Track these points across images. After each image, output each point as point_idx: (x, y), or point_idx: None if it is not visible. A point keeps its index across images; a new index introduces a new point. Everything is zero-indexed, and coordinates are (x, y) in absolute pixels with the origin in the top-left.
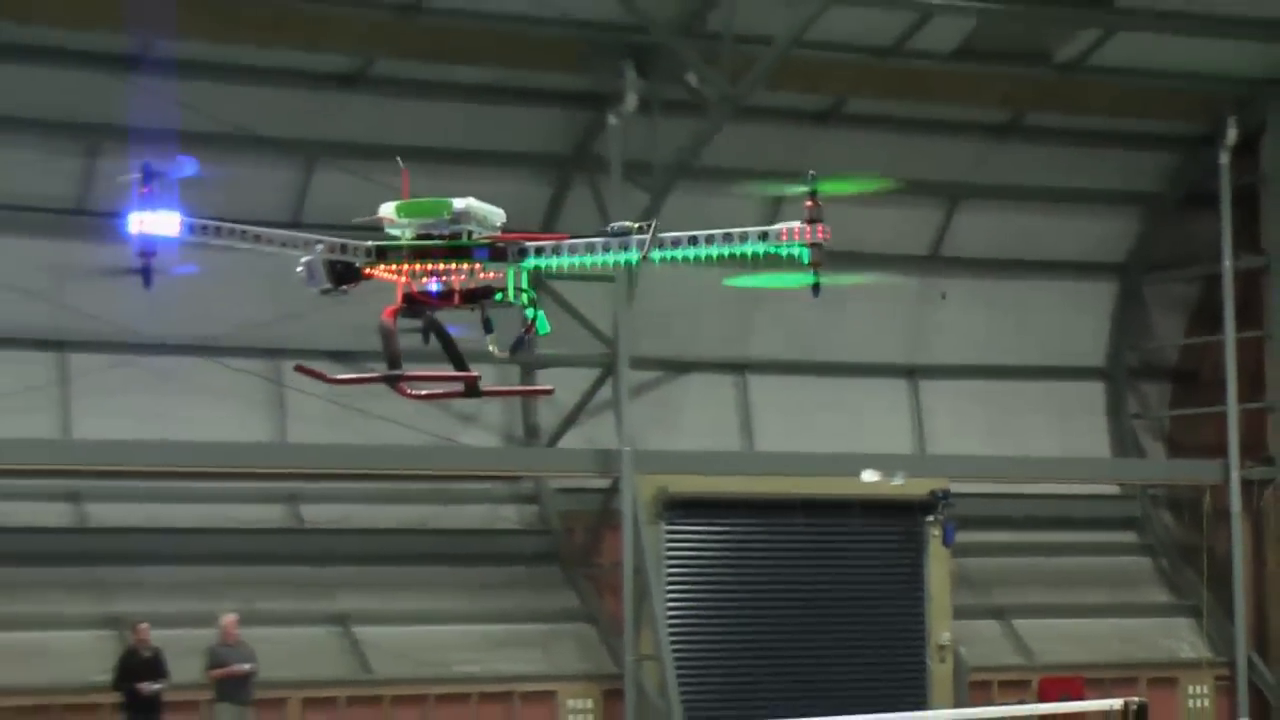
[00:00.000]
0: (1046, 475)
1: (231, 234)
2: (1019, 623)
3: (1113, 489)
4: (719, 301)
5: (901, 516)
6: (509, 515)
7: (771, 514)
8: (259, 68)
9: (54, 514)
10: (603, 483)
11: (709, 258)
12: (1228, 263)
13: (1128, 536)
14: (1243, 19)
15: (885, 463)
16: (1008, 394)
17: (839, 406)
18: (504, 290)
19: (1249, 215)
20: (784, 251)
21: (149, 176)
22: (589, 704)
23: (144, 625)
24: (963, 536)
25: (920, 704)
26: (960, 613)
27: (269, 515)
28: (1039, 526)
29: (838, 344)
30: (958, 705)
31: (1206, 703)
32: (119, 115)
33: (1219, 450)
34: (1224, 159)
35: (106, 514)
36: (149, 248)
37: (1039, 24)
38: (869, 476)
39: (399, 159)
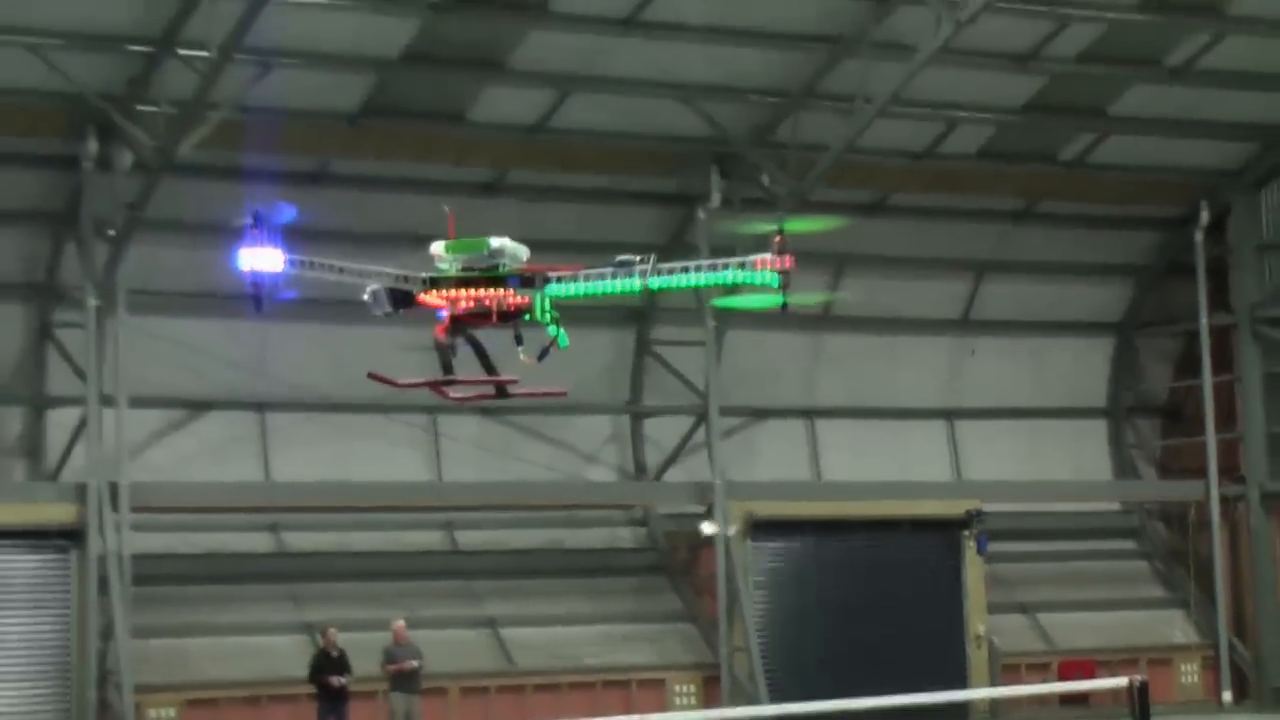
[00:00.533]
0: (1061, 495)
1: (321, 268)
2: (1041, 616)
3: (1115, 505)
4: (791, 360)
5: (943, 531)
6: (624, 536)
7: (836, 531)
8: (416, 179)
9: (258, 542)
10: (699, 508)
11: (699, 284)
12: (1204, 320)
13: (1128, 544)
14: (1210, 122)
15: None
16: (1028, 430)
17: (890, 443)
18: (532, 311)
19: (1220, 281)
20: (757, 279)
21: (258, 221)
22: (692, 689)
23: (332, 630)
24: (994, 546)
25: (962, 684)
26: (993, 608)
27: (430, 540)
28: (1056, 537)
29: (888, 393)
30: (992, 685)
31: (1196, 679)
32: (308, 221)
33: (1201, 472)
34: (1198, 236)
35: (300, 541)
36: (259, 280)
37: (1046, 130)
38: (708, 528)
39: (445, 207)
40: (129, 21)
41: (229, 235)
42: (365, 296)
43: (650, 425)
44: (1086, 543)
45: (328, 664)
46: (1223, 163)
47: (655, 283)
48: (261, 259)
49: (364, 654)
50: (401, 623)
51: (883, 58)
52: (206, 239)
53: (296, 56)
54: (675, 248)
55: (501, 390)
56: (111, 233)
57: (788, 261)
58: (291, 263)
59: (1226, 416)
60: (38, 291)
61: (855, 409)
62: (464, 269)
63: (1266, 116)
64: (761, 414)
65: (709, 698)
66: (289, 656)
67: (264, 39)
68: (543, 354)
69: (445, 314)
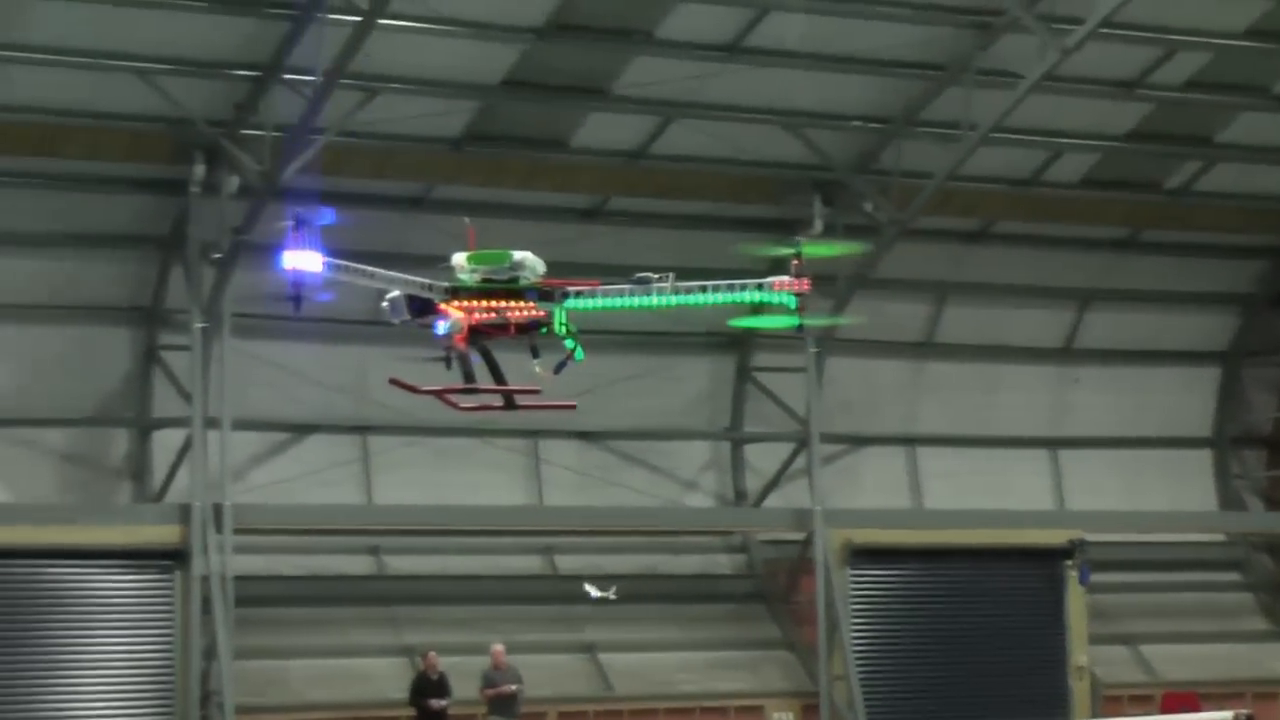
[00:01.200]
0: (1165, 526)
1: (355, 272)
2: (1144, 648)
3: (1219, 537)
4: (892, 387)
5: (1045, 561)
6: (722, 563)
7: (937, 560)
8: (518, 205)
9: (359, 564)
10: (798, 535)
11: (716, 303)
12: None
13: (1232, 576)
14: None
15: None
16: (1132, 460)
17: (991, 471)
18: (550, 324)
19: None
20: (775, 299)
21: (299, 224)
22: (791, 717)
23: (432, 653)
24: (1096, 577)
25: (1064, 716)
26: (1095, 640)
27: (529, 564)
28: (1159, 568)
29: (990, 421)
30: (1094, 717)
31: None
32: (410, 246)
33: None
34: None
35: (400, 564)
36: (299, 280)
37: (1152, 157)
38: (592, 591)
39: (466, 219)
40: (236, 47)
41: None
42: (383, 304)
43: (750, 451)
44: (1190, 574)
45: (428, 687)
46: None
47: (672, 300)
48: (302, 261)
49: (463, 678)
50: (500, 647)
51: (986, 85)
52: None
53: (401, 82)
54: (777, 274)
55: (510, 402)
56: (217, 256)
57: (805, 284)
58: (329, 266)
59: None
60: (144, 315)
61: (956, 437)
62: (484, 280)
63: None
64: (862, 441)
65: None
66: (389, 679)
67: (369, 65)
68: (559, 367)
69: (442, 327)
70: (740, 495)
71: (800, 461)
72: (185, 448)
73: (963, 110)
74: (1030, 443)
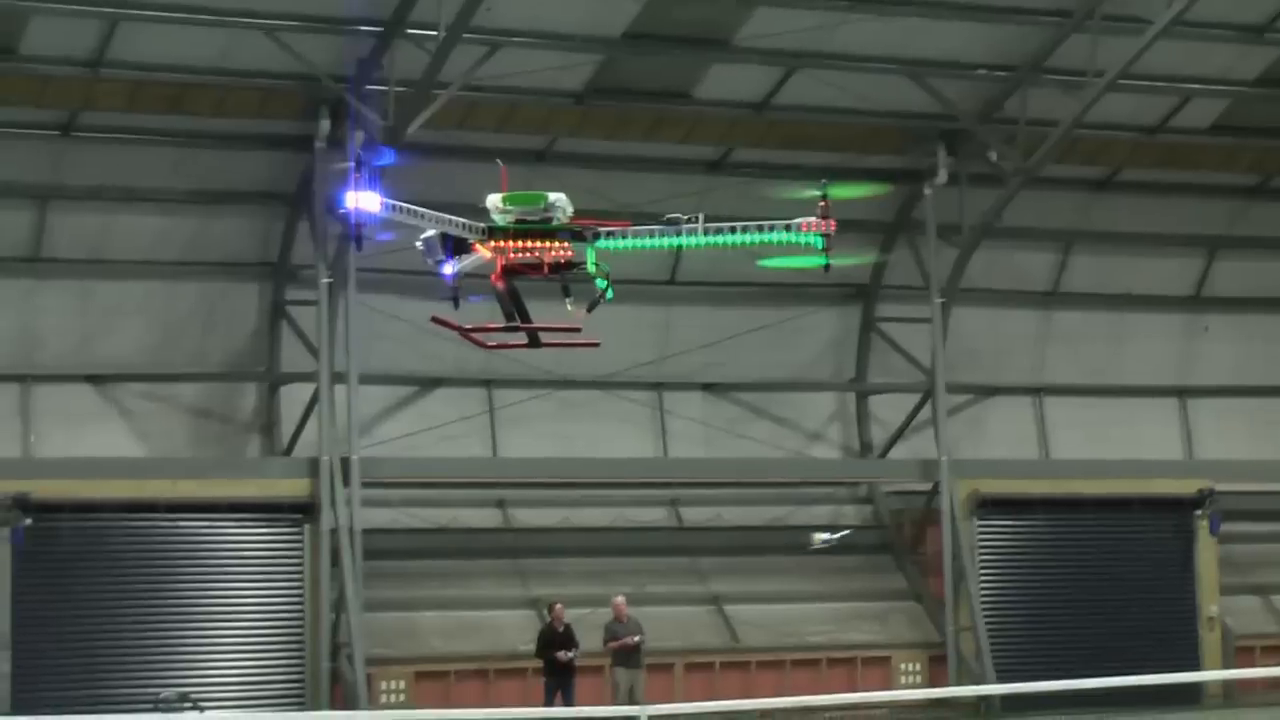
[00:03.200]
0: None
1: (408, 213)
2: (1276, 598)
3: None
4: (1019, 337)
5: (1174, 511)
6: (848, 514)
7: (1065, 510)
8: (643, 157)
9: (485, 517)
10: (924, 486)
11: (743, 243)
12: None
13: None
14: None
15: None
16: (1262, 409)
17: (1120, 421)
18: (583, 264)
19: None
20: (803, 239)
21: (360, 165)
22: (917, 667)
23: (559, 605)
24: (1227, 527)
25: (1194, 666)
26: (1226, 590)
27: (655, 516)
28: None
29: (1118, 370)
30: (1226, 667)
31: None
32: None
33: None
34: None
35: (527, 517)
36: (361, 220)
37: None
38: (821, 538)
39: (498, 160)
40: (360, 3)
41: (456, 213)
42: (418, 244)
43: (875, 403)
44: None
45: (555, 639)
46: None
47: (701, 240)
48: (363, 201)
49: (589, 630)
50: (621, 599)
51: (1113, 31)
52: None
53: (523, 36)
54: (902, 225)
55: (534, 339)
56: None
57: (831, 225)
58: (387, 207)
59: None
60: (271, 271)
61: (1084, 387)
62: (518, 221)
63: None
64: (988, 391)
65: (935, 677)
66: (516, 631)
67: (491, 20)
68: (591, 306)
69: (449, 269)
70: (866, 447)
71: (926, 412)
72: (313, 402)
73: (1089, 57)
74: (1158, 392)
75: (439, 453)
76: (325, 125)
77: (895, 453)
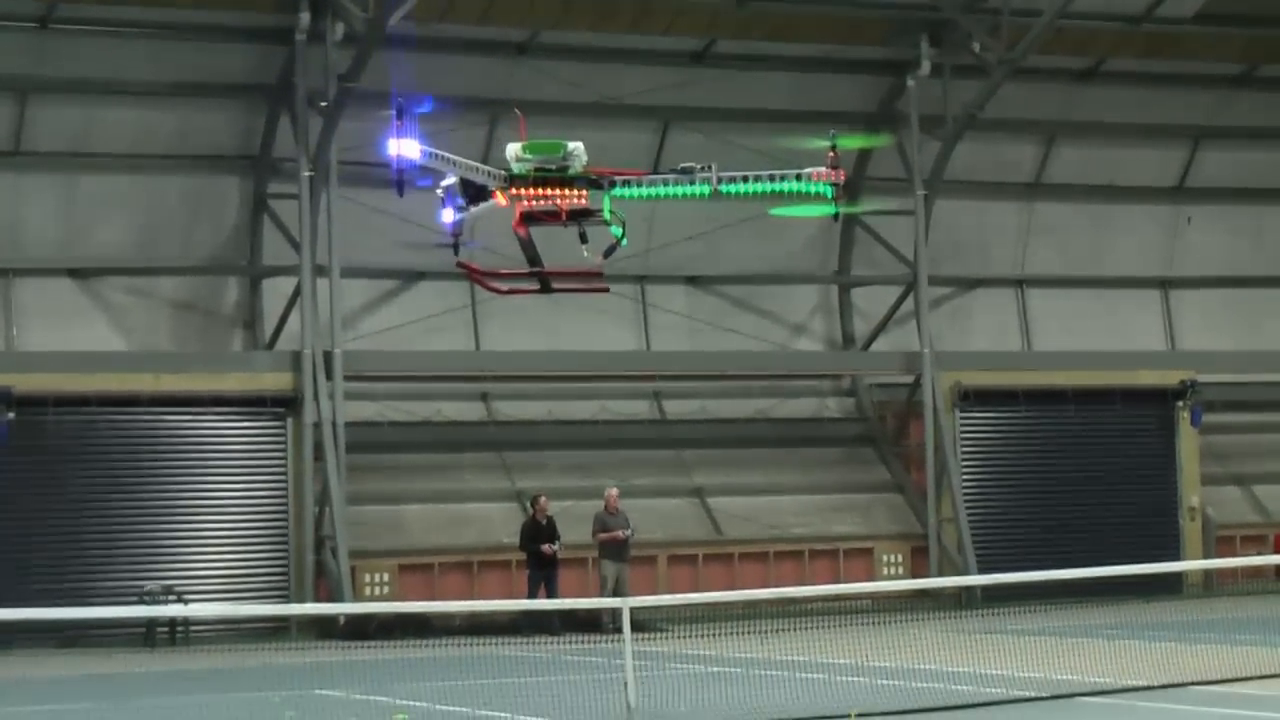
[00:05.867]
0: (1277, 366)
1: (440, 159)
2: (1257, 488)
3: None
4: (1002, 229)
5: (1156, 402)
6: (832, 407)
7: (1047, 402)
8: (626, 49)
9: (469, 411)
10: (907, 379)
11: (757, 192)
12: None
13: None
14: None
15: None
16: (1245, 299)
17: (1102, 313)
18: (599, 211)
19: None
20: (813, 189)
21: (400, 113)
22: (900, 558)
23: (543, 498)
24: (1209, 418)
25: (1175, 556)
26: (1207, 480)
27: (638, 409)
28: (1274, 408)
29: (1101, 262)
30: (1206, 557)
31: None
32: (515, 92)
33: None
34: None
35: (510, 410)
36: (402, 165)
37: None
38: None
39: (516, 109)
40: None
41: (444, 111)
42: (438, 191)
43: (858, 295)
44: None
45: (539, 532)
46: None
47: (716, 189)
48: (404, 148)
49: (574, 522)
50: (615, 490)
51: None
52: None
53: None
54: (884, 116)
55: (545, 284)
56: (324, 105)
57: (840, 175)
58: (425, 154)
59: None
60: (253, 164)
61: (1067, 278)
62: (537, 170)
63: None
64: (971, 284)
65: (916, 567)
66: (500, 524)
67: None
68: (609, 252)
69: (448, 216)
70: (849, 339)
71: (908, 305)
72: (295, 296)
73: None
74: (1141, 283)
75: (422, 346)
76: (305, 18)
77: (878, 345)
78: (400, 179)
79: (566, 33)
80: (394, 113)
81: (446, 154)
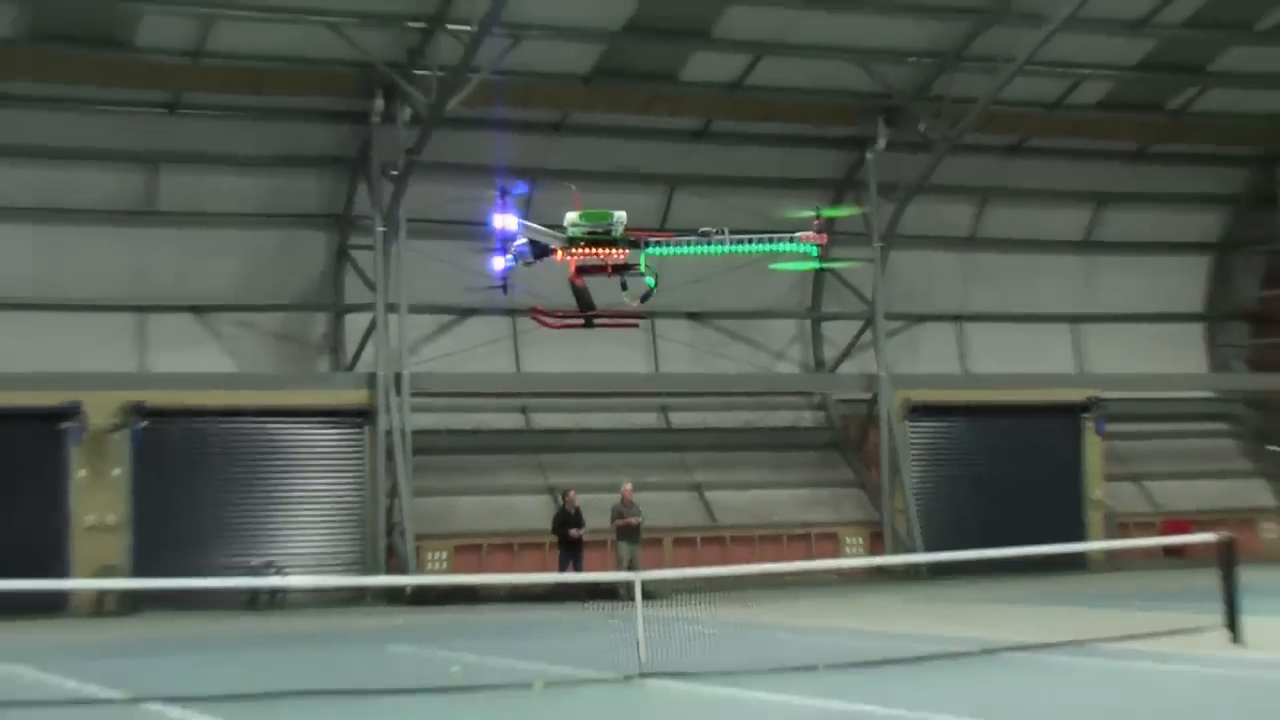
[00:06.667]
0: (1165, 385)
1: (527, 228)
2: (1149, 484)
3: (1210, 394)
4: (947, 275)
5: (1067, 414)
6: (806, 418)
7: (980, 415)
8: (639, 127)
9: (511, 421)
10: (867, 395)
11: (760, 250)
12: None
13: (1221, 425)
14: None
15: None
16: (1140, 332)
17: (1026, 343)
18: (637, 265)
19: None
20: (801, 249)
21: (503, 192)
22: (860, 541)
23: (571, 492)
24: (1110, 427)
25: (1082, 538)
26: (1109, 478)
27: (649, 420)
28: (1162, 419)
29: (1025, 302)
30: (1107, 539)
31: (1276, 535)
32: (550, 163)
33: None
34: None
35: (544, 420)
36: (504, 236)
37: (1156, 84)
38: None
39: (571, 186)
40: (406, 1)
41: (488, 175)
42: (517, 245)
43: (827, 328)
44: (1186, 424)
45: (567, 519)
46: None
47: (727, 248)
48: (504, 220)
49: (595, 512)
50: (629, 486)
51: (1022, 25)
52: (470, 178)
53: (541, 29)
54: (849, 182)
55: (589, 322)
56: (394, 173)
57: (824, 238)
58: (520, 225)
59: None
60: (337, 222)
61: (997, 314)
62: (589, 233)
63: None
64: (919, 319)
65: (874, 548)
66: (536, 513)
67: (515, 15)
68: (644, 298)
69: (499, 264)
70: (819, 363)
71: (868, 336)
72: (370, 328)
73: (1002, 46)
74: (1057, 318)
75: (472, 369)
76: (379, 103)
77: (843, 368)
78: (503, 245)
79: (591, 114)
80: (497, 192)
81: (530, 224)
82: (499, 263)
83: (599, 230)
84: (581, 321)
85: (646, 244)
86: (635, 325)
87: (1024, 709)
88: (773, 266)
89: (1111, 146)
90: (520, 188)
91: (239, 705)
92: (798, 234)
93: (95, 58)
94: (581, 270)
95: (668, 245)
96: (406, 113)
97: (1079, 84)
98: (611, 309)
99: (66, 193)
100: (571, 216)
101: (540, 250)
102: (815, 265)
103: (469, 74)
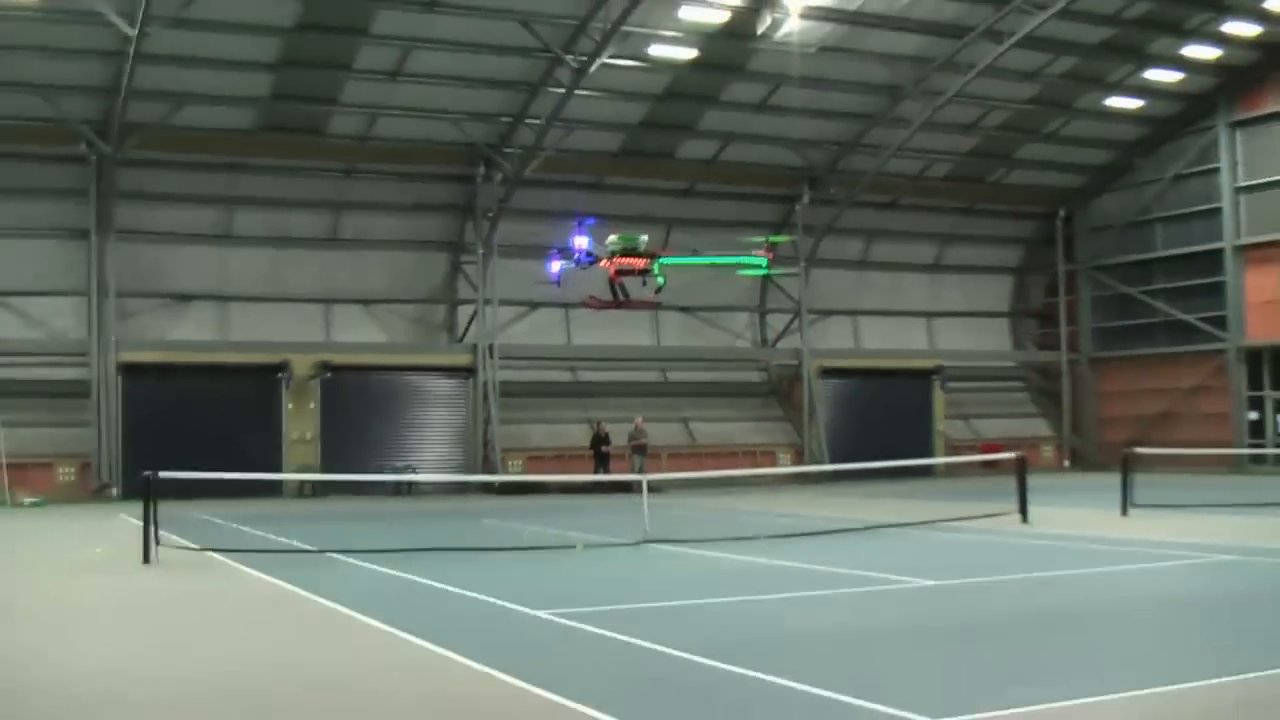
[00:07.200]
0: (983, 358)
1: (594, 245)
2: (973, 421)
3: (1011, 364)
4: (845, 285)
5: (923, 376)
6: (755, 377)
7: (867, 376)
8: (649, 186)
9: (563, 376)
10: (795, 362)
11: (729, 262)
12: (1061, 267)
13: (1018, 384)
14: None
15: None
16: (970, 323)
17: (896, 329)
18: (652, 270)
19: (1069, 246)
20: (754, 262)
21: (580, 222)
22: (790, 456)
23: (602, 422)
24: (951, 385)
25: (930, 455)
26: (947, 416)
27: (653, 377)
28: (982, 379)
29: (896, 302)
30: (947, 456)
31: (1051, 455)
32: (593, 208)
33: (1057, 347)
34: (1058, 223)
35: (586, 376)
36: (580, 255)
37: (981, 165)
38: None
39: (602, 222)
40: (499, 104)
41: (552, 218)
42: (574, 255)
43: (770, 318)
44: (996, 383)
45: (599, 440)
46: (1074, 182)
47: (707, 259)
48: (581, 242)
49: (618, 435)
50: (640, 418)
51: (895, 126)
52: (540, 219)
53: (585, 123)
54: (785, 223)
55: (620, 305)
56: (490, 215)
57: (772, 255)
58: (590, 243)
59: (1071, 318)
60: (453, 246)
61: (880, 310)
62: (624, 249)
63: (1095, 160)
64: (829, 313)
65: (797, 461)
66: (579, 436)
67: (569, 113)
68: (658, 291)
69: (555, 267)
70: (764, 340)
71: (796, 324)
72: (473, 315)
73: (884, 137)
74: (917, 314)
75: (537, 341)
76: (481, 170)
77: (780, 344)
78: (578, 259)
79: (617, 178)
80: (576, 223)
81: (589, 241)
82: (555, 266)
83: (630, 247)
84: (616, 306)
85: (657, 256)
86: (655, 307)
87: (888, 563)
88: (739, 273)
89: (951, 204)
90: (590, 220)
91: (387, 556)
92: (756, 253)
93: (301, 141)
94: (620, 272)
95: (673, 257)
96: (498, 176)
97: (931, 164)
98: (637, 299)
99: (284, 228)
100: (613, 238)
101: (592, 259)
102: (765, 273)
103: (539, 151)
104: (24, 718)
